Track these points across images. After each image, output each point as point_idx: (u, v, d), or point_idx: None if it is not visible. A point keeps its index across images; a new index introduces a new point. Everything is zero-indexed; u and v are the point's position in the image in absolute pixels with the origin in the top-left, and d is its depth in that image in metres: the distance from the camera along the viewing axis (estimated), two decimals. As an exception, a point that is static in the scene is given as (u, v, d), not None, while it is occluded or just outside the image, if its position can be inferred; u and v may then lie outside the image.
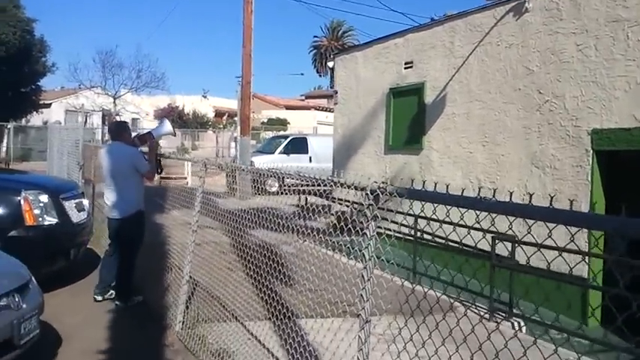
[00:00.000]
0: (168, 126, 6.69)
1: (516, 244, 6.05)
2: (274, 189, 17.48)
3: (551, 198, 1.89)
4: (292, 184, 13.25)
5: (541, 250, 2.34)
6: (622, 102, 6.16)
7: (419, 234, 7.65)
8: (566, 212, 1.55)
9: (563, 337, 5.36)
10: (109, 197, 5.92)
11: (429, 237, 7.54)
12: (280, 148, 19.87)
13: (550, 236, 1.88)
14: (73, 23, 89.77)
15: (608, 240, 6.71)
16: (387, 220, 2.52)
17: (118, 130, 6.31)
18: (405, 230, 7.75)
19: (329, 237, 7.29)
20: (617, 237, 6.51)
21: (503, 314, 6.23)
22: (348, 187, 2.41)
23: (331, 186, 2.58)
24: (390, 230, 2.92)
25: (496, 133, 7.82)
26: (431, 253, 6.23)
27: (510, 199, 1.83)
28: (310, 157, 19.51)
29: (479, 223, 1.99)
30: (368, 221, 2.29)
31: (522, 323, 6.05)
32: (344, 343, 3.44)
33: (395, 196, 2.09)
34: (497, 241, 6.12)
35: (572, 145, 6.74)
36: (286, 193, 11.06)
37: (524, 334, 5.80)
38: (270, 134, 35.62)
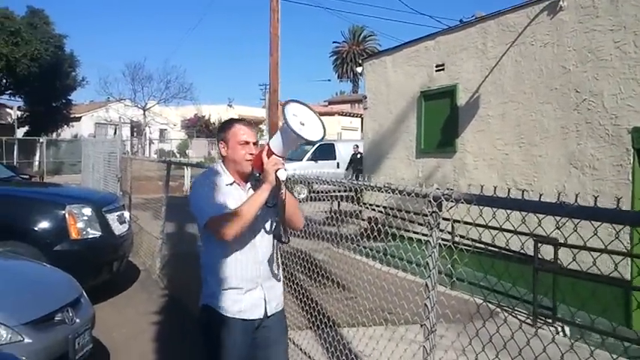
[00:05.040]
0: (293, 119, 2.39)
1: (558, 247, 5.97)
2: (302, 195, 17.51)
3: (596, 198, 1.85)
4: (320, 190, 13.20)
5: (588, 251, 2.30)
6: (664, 99, 6.03)
7: (457, 239, 7.56)
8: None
9: (609, 341, 5.26)
10: None
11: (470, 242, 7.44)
12: (308, 155, 19.80)
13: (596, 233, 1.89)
14: (101, 38, 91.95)
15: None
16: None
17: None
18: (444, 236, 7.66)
19: (361, 243, 7.29)
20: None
21: (547, 319, 6.13)
22: (408, 194, 2.38)
23: (390, 192, 2.54)
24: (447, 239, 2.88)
25: (532, 133, 7.71)
26: (468, 259, 6.15)
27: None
28: (338, 163, 19.45)
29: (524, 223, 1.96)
30: (431, 229, 2.26)
31: (566, 327, 5.95)
32: (390, 351, 3.42)
33: (462, 202, 2.06)
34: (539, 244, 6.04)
35: (611, 144, 6.60)
36: (318, 199, 11.06)
37: (568, 338, 5.73)
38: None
